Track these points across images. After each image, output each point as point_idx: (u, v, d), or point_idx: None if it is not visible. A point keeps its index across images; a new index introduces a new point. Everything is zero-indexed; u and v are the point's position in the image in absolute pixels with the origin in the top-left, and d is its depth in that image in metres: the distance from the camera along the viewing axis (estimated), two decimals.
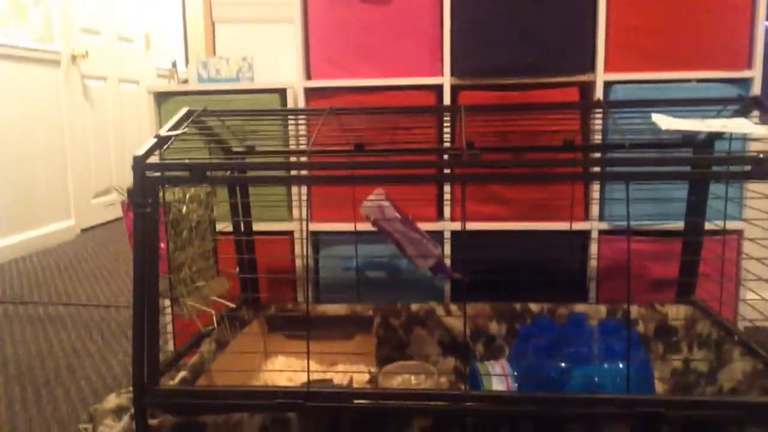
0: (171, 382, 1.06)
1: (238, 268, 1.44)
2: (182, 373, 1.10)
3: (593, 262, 1.58)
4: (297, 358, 1.45)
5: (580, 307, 1.38)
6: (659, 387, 1.29)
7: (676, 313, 1.36)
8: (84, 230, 3.59)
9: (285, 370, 1.42)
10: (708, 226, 1.38)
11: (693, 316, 1.34)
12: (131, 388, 1.00)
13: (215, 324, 1.26)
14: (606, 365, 1.09)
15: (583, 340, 1.13)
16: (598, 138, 1.55)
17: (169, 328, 1.66)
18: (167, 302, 1.16)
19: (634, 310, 1.37)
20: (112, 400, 1.05)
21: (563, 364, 1.10)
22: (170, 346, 1.68)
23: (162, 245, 1.09)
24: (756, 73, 1.51)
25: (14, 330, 1.98)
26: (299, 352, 1.44)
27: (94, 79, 3.70)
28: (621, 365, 1.07)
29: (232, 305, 1.35)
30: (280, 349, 1.47)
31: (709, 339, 1.29)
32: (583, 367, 1.09)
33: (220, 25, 2.50)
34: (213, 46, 2.50)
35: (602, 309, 1.38)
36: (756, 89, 1.51)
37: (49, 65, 3.29)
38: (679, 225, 1.45)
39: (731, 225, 1.51)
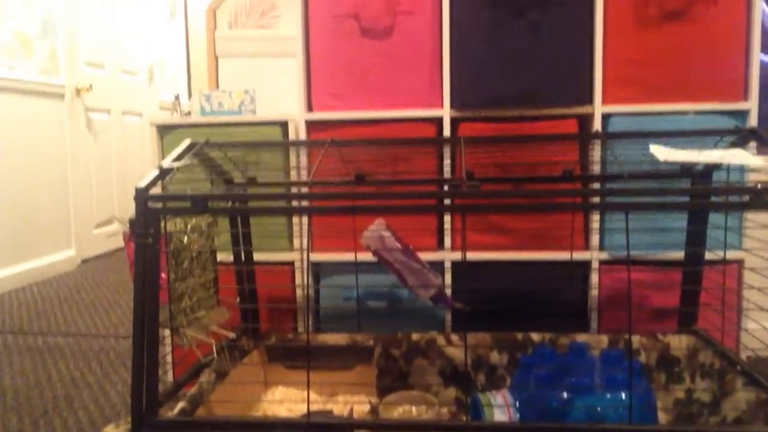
0: (170, 413, 1.06)
1: (238, 298, 1.44)
2: (181, 404, 1.09)
3: (594, 292, 1.58)
4: (297, 389, 1.44)
5: (581, 337, 1.37)
6: (662, 417, 1.28)
7: (678, 342, 1.35)
8: (84, 260, 3.59)
9: (285, 400, 1.40)
10: (708, 255, 1.39)
11: (695, 345, 1.34)
12: (130, 419, 1.00)
13: (215, 354, 1.26)
14: (608, 395, 1.08)
15: (585, 370, 1.13)
16: (596, 169, 1.56)
17: (169, 358, 1.65)
18: (167, 332, 1.16)
19: (636, 340, 1.36)
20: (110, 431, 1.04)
21: (565, 395, 1.09)
22: (169, 377, 1.67)
23: (163, 275, 1.09)
24: (752, 105, 1.53)
25: (13, 360, 1.97)
26: (299, 383, 1.43)
27: (98, 112, 3.74)
28: (623, 395, 1.06)
29: (232, 335, 1.34)
30: (280, 380, 1.46)
31: (711, 369, 1.28)
32: (585, 397, 1.08)
33: (223, 59, 2.54)
34: (216, 79, 2.53)
35: (604, 339, 1.38)
36: (753, 121, 1.53)
37: (53, 98, 3.33)
38: (680, 255, 1.45)
39: (731, 254, 1.51)
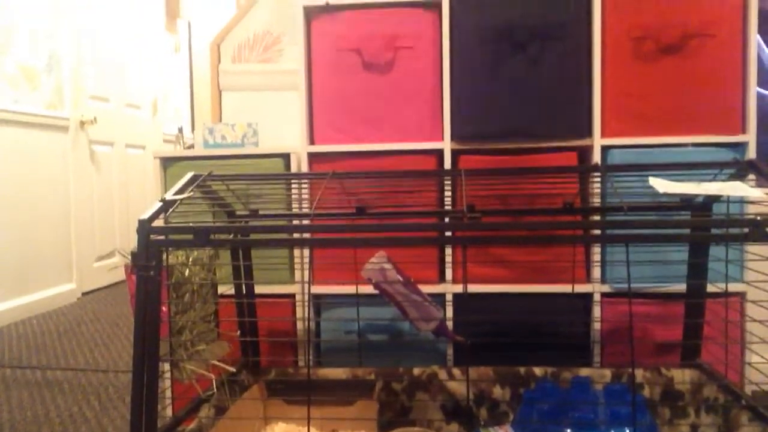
0: None
1: (239, 332, 1.43)
2: None
3: (596, 325, 1.57)
4: (297, 425, 1.42)
5: (584, 371, 1.36)
6: None
7: (682, 376, 1.34)
8: (85, 293, 3.58)
9: None
10: (710, 288, 1.38)
11: (699, 379, 1.33)
12: None
13: (215, 389, 1.25)
14: (612, 431, 1.07)
15: (588, 405, 1.12)
16: (596, 201, 1.57)
17: (168, 392, 1.64)
18: (166, 366, 1.15)
19: (640, 374, 1.35)
20: None
21: (568, 430, 1.08)
22: (168, 412, 1.65)
23: (163, 308, 1.09)
24: (750, 137, 1.54)
25: (11, 395, 1.95)
26: (300, 418, 1.41)
27: (102, 145, 3.77)
28: (627, 431, 1.05)
29: (232, 369, 1.33)
30: (281, 415, 1.44)
31: (716, 403, 1.27)
32: None
33: (226, 92, 2.57)
34: (219, 112, 2.56)
35: (607, 373, 1.36)
36: (751, 153, 1.54)
37: (57, 131, 3.37)
38: (681, 287, 1.44)
39: (733, 287, 1.51)
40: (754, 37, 1.54)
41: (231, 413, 1.27)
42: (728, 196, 1.20)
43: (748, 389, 1.48)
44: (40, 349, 2.49)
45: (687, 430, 1.29)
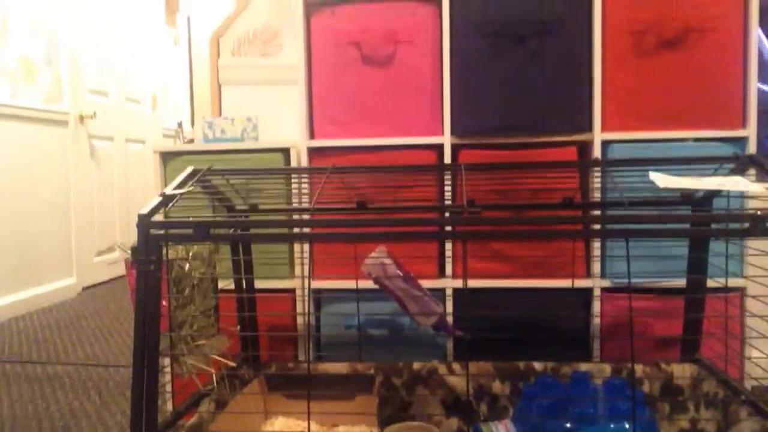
0: None
1: (239, 326, 1.43)
2: None
3: (596, 320, 1.57)
4: (297, 419, 1.42)
5: (584, 366, 1.36)
6: None
7: (682, 372, 1.34)
8: (85, 288, 3.59)
9: (285, 431, 1.39)
10: (710, 283, 1.38)
11: (699, 375, 1.33)
12: None
13: (215, 383, 1.25)
14: (611, 426, 1.07)
15: (587, 400, 1.12)
16: (597, 196, 1.57)
17: (169, 387, 1.64)
18: (167, 361, 1.15)
19: (639, 369, 1.35)
20: None
21: (568, 425, 1.08)
22: (169, 406, 1.66)
23: (164, 303, 1.09)
24: (750, 132, 1.54)
25: (12, 390, 1.95)
26: (300, 413, 1.42)
27: (101, 139, 3.76)
28: (627, 425, 1.05)
29: (233, 364, 1.34)
30: (281, 409, 1.44)
31: (715, 398, 1.27)
32: (588, 427, 1.07)
33: (226, 86, 2.56)
34: (219, 106, 2.55)
35: (607, 368, 1.36)
36: (751, 148, 1.54)
37: (57, 125, 3.36)
38: (681, 282, 1.44)
39: (733, 282, 1.51)
40: (755, 31, 1.54)
41: (231, 408, 1.28)
42: (728, 191, 1.20)
43: (748, 384, 1.48)
44: (41, 343, 2.49)
45: (686, 425, 1.30)
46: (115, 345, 2.45)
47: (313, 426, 1.39)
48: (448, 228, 1.48)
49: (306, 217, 1.47)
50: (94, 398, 1.87)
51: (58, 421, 1.69)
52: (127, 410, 1.76)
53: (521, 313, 1.54)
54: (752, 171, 1.24)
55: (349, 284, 1.57)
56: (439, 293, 1.58)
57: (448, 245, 1.62)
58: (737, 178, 1.10)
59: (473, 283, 1.58)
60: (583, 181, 1.54)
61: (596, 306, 1.57)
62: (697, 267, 1.37)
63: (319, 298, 1.68)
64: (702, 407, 1.30)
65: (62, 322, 2.85)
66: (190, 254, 1.20)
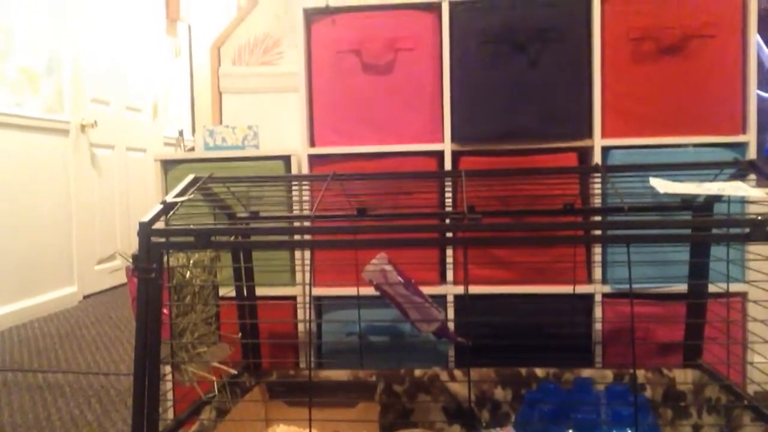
0: None
1: (240, 334, 1.43)
2: None
3: (598, 326, 1.57)
4: (299, 426, 1.42)
5: (586, 372, 1.36)
6: None
7: (684, 377, 1.34)
8: (86, 296, 3.59)
9: None
10: (711, 288, 1.38)
11: (701, 380, 1.32)
12: None
13: (216, 391, 1.25)
14: (614, 431, 1.07)
15: (590, 406, 1.12)
16: (597, 202, 1.57)
17: (170, 395, 1.64)
18: (168, 368, 1.15)
19: (641, 375, 1.35)
20: None
21: (570, 431, 1.08)
22: (170, 414, 1.65)
23: (165, 311, 1.09)
24: (750, 137, 1.54)
25: (12, 398, 1.95)
26: (301, 420, 1.41)
27: (102, 148, 3.77)
28: None
29: (234, 371, 1.33)
30: (282, 417, 1.44)
31: (718, 404, 1.26)
32: None
33: (226, 95, 2.57)
34: (220, 115, 2.56)
35: (609, 374, 1.36)
36: (751, 153, 1.54)
37: (58, 134, 3.37)
38: (683, 288, 1.44)
39: (734, 287, 1.50)
40: (754, 38, 1.54)
41: (232, 415, 1.27)
42: (729, 196, 1.20)
43: (750, 389, 1.47)
44: (42, 352, 2.49)
45: (689, 430, 1.29)
46: (116, 353, 2.44)
47: None
48: (449, 234, 1.48)
49: (307, 224, 1.48)
50: (95, 407, 1.86)
51: (59, 430, 1.68)
52: (128, 418, 1.75)
53: (523, 319, 1.54)
54: (752, 176, 1.24)
55: (351, 291, 1.57)
56: (440, 300, 1.58)
57: (449, 252, 1.62)
58: (738, 184, 1.10)
59: (474, 290, 1.58)
60: (583, 188, 1.54)
61: (598, 312, 1.57)
62: (699, 272, 1.37)
63: (320, 305, 1.68)
64: (705, 413, 1.29)
65: (63, 330, 2.85)
66: (191, 262, 1.20)
